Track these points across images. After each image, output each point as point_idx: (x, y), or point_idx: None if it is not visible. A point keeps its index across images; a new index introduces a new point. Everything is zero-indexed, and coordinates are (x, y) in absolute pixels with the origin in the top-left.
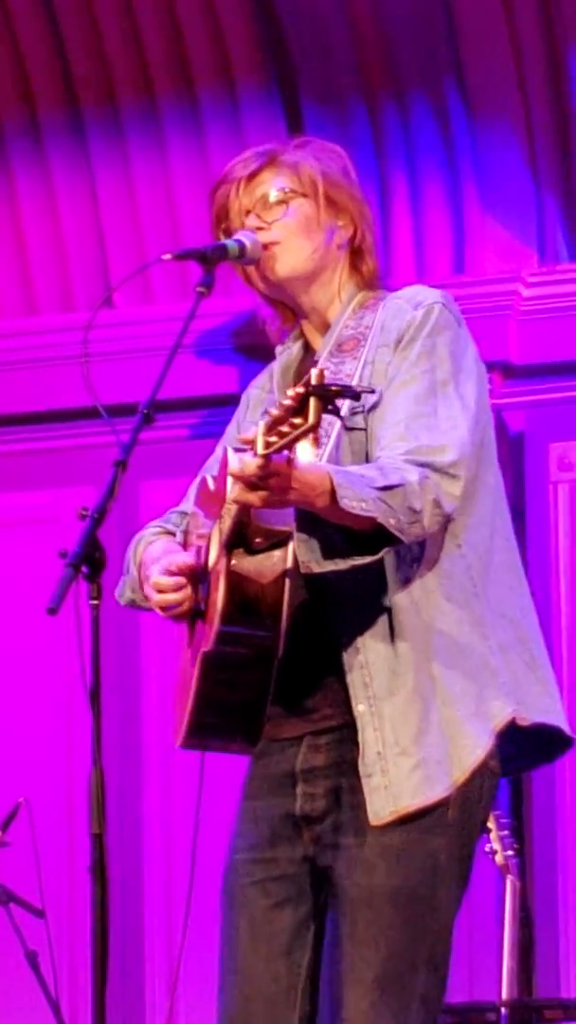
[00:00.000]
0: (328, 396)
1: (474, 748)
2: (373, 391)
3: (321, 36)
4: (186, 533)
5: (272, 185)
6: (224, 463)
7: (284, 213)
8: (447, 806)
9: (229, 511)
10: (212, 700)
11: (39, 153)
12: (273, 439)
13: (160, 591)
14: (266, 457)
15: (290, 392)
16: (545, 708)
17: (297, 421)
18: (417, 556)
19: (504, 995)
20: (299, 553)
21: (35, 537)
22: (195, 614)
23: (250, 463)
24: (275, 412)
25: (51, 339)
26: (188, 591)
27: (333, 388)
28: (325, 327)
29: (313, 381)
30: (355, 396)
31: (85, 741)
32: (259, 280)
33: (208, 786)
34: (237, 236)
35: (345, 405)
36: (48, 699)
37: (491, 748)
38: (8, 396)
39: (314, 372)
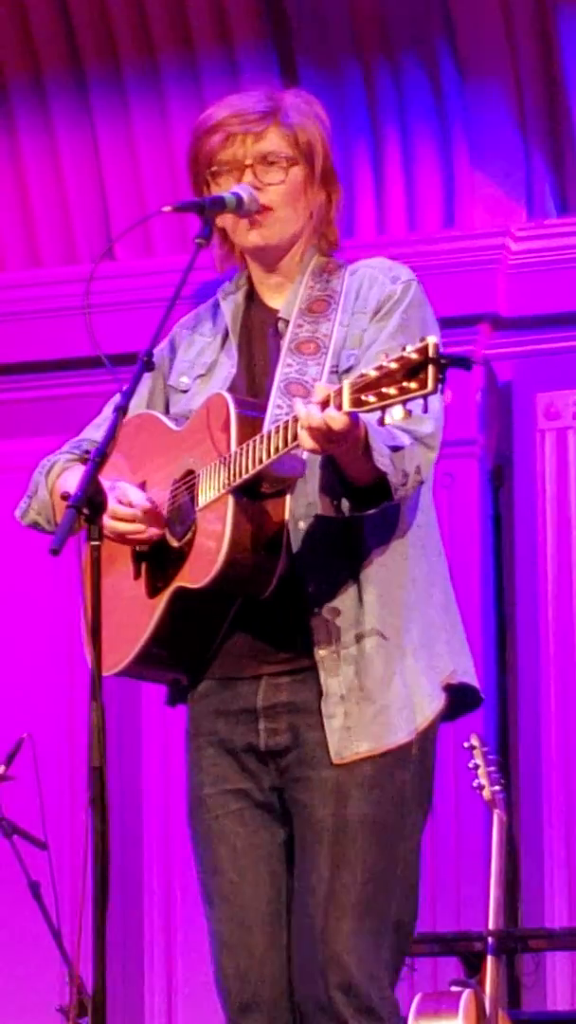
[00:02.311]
0: (444, 365)
1: (432, 698)
2: (481, 363)
3: None
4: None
5: (276, 147)
6: (209, 412)
7: (282, 179)
8: (411, 746)
9: (243, 456)
10: (169, 634)
11: (42, 109)
12: (371, 399)
13: (119, 519)
14: (350, 414)
15: (392, 356)
16: (466, 668)
17: (411, 386)
18: (384, 511)
19: (491, 925)
20: (320, 493)
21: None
22: (155, 548)
23: (337, 418)
24: (371, 372)
25: (54, 290)
26: (144, 524)
27: (450, 358)
28: (281, 285)
29: (431, 351)
30: (467, 366)
31: (85, 677)
32: (243, 234)
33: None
34: (235, 189)
35: (327, 364)
36: (50, 637)
37: (444, 700)
38: (13, 345)
39: (431, 341)
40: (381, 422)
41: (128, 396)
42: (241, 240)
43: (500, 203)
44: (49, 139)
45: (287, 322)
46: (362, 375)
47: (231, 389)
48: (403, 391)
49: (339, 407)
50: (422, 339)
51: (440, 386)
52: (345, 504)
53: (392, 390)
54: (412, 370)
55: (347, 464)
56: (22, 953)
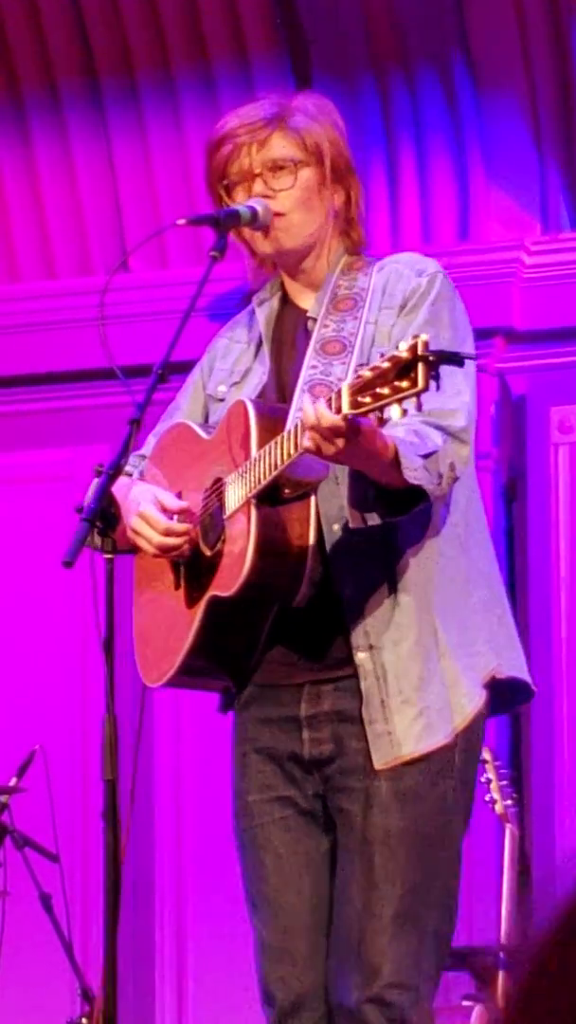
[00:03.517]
0: (435, 362)
1: (471, 698)
2: (474, 358)
3: (332, 9)
4: (142, 475)
5: (282, 152)
6: (231, 419)
7: (292, 183)
8: (453, 751)
9: (261, 462)
10: (209, 644)
11: (58, 121)
12: (367, 400)
13: (175, 534)
14: (348, 416)
15: (385, 355)
16: (515, 662)
17: (402, 384)
18: (419, 511)
19: (503, 940)
20: (348, 506)
21: (52, 493)
22: (192, 558)
23: (326, 415)
24: (367, 374)
25: (69, 302)
26: (186, 533)
27: (440, 354)
28: (311, 285)
29: (420, 348)
30: (460, 363)
31: (99, 690)
32: (262, 244)
33: (216, 731)
34: (250, 203)
35: (352, 363)
36: (63, 649)
37: (484, 699)
38: (27, 357)
39: (420, 339)
40: (381, 422)
41: (142, 409)
42: (260, 248)
43: (515, 216)
44: (64, 151)
45: (316, 320)
46: (359, 376)
47: (261, 395)
48: (396, 390)
49: (338, 410)
50: (414, 336)
51: (435, 383)
52: (374, 517)
53: (386, 390)
54: (404, 368)
55: (376, 477)
56: (33, 965)
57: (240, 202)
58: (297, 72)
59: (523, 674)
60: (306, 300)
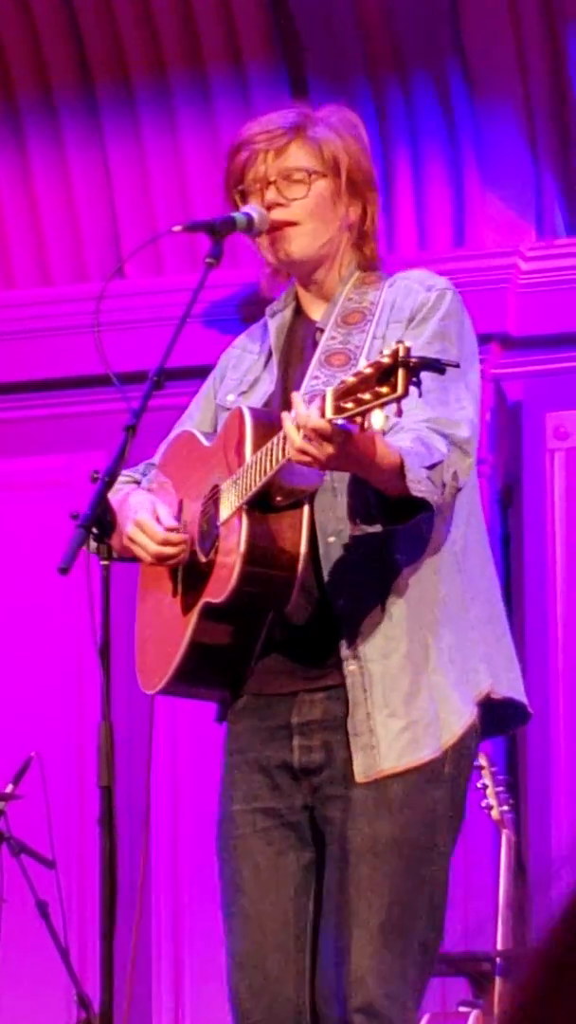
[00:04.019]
0: (415, 368)
1: (461, 715)
2: (458, 365)
3: (327, 16)
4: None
5: (298, 161)
6: (229, 426)
7: (305, 193)
8: (443, 761)
9: (252, 469)
10: (203, 650)
11: (53, 128)
12: (349, 405)
13: (153, 539)
14: (333, 421)
15: (367, 361)
16: (511, 683)
17: (383, 390)
18: (416, 525)
19: (499, 945)
20: (348, 513)
21: (49, 500)
22: (188, 565)
23: (314, 419)
24: (350, 379)
25: (65, 308)
26: (182, 543)
27: (420, 360)
28: (323, 297)
29: (401, 354)
30: (440, 369)
31: (95, 697)
32: (269, 252)
33: (212, 738)
34: (245, 209)
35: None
36: (59, 656)
37: (476, 716)
38: (23, 364)
39: (401, 345)
40: (362, 428)
41: (138, 416)
42: (270, 257)
43: (510, 223)
44: (60, 158)
45: (324, 331)
46: (342, 382)
47: (267, 404)
48: (377, 396)
49: (322, 413)
50: (397, 342)
51: (416, 388)
52: (376, 527)
53: (367, 395)
54: (384, 374)
55: (378, 485)
56: (30, 972)
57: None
58: (293, 79)
59: (520, 695)
60: (317, 311)
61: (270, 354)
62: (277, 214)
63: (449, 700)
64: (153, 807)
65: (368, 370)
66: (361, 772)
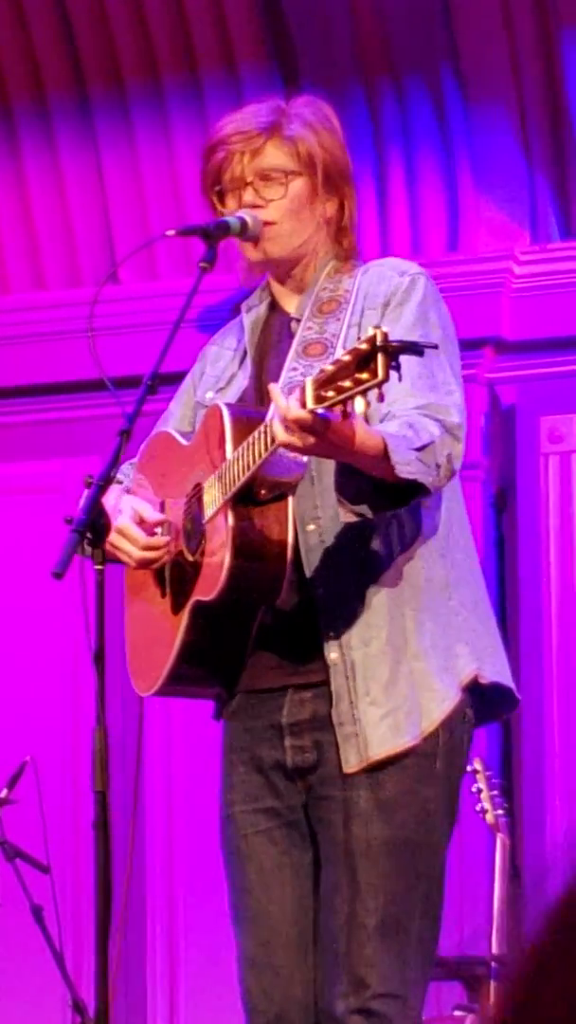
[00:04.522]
0: (394, 352)
1: (442, 701)
2: (436, 346)
3: (321, 20)
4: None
5: (274, 162)
6: (208, 423)
7: (283, 194)
8: (435, 757)
9: (235, 464)
10: (196, 649)
11: (46, 132)
12: (330, 394)
13: (135, 544)
14: (314, 411)
15: (345, 348)
16: (499, 668)
17: (363, 376)
18: (395, 513)
19: (494, 950)
20: (337, 498)
21: (43, 505)
22: (176, 565)
23: (293, 407)
24: (329, 368)
25: (58, 313)
26: (166, 545)
27: (398, 344)
28: (298, 290)
29: (379, 339)
30: (419, 352)
31: (89, 701)
32: (250, 250)
33: (206, 742)
34: (239, 213)
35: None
36: (53, 660)
37: (459, 701)
38: (17, 368)
39: (378, 331)
40: (344, 415)
41: (132, 420)
42: (248, 255)
43: (504, 227)
44: (53, 162)
45: (300, 322)
46: (322, 371)
47: (241, 399)
48: (357, 382)
49: (303, 404)
50: (373, 328)
51: (396, 373)
52: (365, 509)
53: (348, 383)
54: (363, 360)
55: (366, 470)
56: (24, 977)
57: (231, 208)
58: (286, 83)
59: (507, 680)
60: (292, 304)
61: (246, 350)
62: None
63: (430, 686)
64: (148, 811)
65: (346, 357)
66: (348, 763)
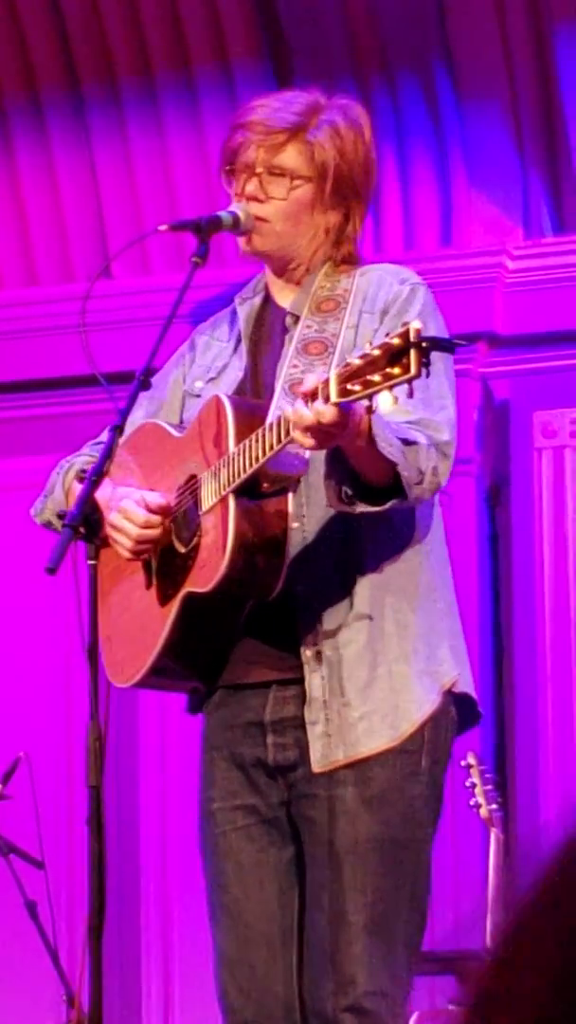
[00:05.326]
0: (427, 349)
1: (422, 704)
2: (465, 343)
3: (314, 17)
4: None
5: (286, 162)
6: (210, 413)
7: (285, 195)
8: (420, 754)
9: (240, 457)
10: (182, 641)
11: (40, 128)
12: (356, 388)
13: (134, 523)
14: (338, 405)
15: (375, 343)
16: (468, 679)
17: (394, 371)
18: (384, 516)
19: (488, 944)
20: (326, 492)
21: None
22: (164, 556)
23: (327, 411)
24: (356, 362)
25: (51, 309)
26: (159, 531)
27: (432, 341)
28: (292, 285)
29: (412, 336)
30: (451, 349)
31: (83, 696)
32: (241, 243)
33: (200, 738)
34: (232, 208)
35: (332, 365)
36: (47, 656)
37: (439, 704)
38: (9, 364)
39: (412, 326)
40: (369, 411)
41: (124, 415)
42: (241, 245)
43: (497, 222)
44: (46, 157)
45: (296, 317)
46: (347, 364)
47: (238, 391)
48: (387, 377)
49: (327, 399)
50: (404, 324)
51: (425, 371)
52: (347, 492)
53: (376, 377)
54: (395, 356)
55: (352, 456)
56: (18, 972)
57: (235, 190)
58: (279, 80)
59: (473, 693)
60: (286, 298)
61: (239, 341)
62: (252, 208)
63: (409, 689)
64: (142, 806)
65: (376, 352)
66: (317, 762)
